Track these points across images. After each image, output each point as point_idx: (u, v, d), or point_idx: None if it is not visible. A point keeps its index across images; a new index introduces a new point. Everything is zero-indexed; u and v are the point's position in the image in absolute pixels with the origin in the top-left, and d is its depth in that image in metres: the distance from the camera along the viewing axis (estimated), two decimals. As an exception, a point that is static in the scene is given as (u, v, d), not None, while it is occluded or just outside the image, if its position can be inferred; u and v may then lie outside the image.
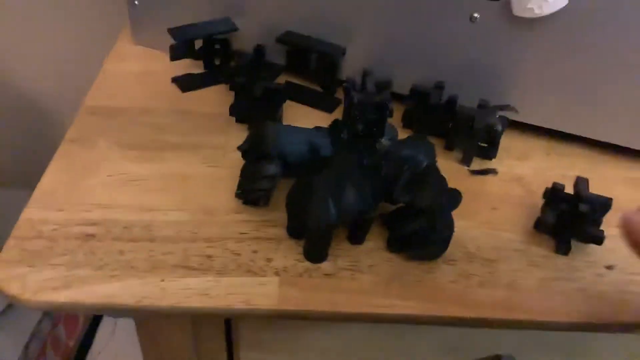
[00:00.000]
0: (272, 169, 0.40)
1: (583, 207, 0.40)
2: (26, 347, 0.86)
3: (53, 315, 0.93)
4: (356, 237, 0.42)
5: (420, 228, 0.39)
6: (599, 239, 0.41)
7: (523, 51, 0.49)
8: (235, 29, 0.54)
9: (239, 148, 0.42)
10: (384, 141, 0.43)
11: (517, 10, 0.46)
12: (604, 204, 0.41)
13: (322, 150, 0.42)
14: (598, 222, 0.41)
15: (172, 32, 0.52)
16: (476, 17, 0.48)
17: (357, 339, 0.49)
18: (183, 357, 0.50)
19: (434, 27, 0.50)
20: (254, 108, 0.49)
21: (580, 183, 0.42)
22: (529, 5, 0.45)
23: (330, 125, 0.43)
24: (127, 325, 0.44)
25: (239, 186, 0.43)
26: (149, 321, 0.47)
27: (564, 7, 0.45)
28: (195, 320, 0.46)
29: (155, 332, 0.48)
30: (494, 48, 0.49)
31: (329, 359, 0.52)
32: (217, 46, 0.56)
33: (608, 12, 0.45)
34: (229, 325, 0.48)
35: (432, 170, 0.41)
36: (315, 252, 0.40)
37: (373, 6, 0.51)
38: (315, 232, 0.39)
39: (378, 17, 0.51)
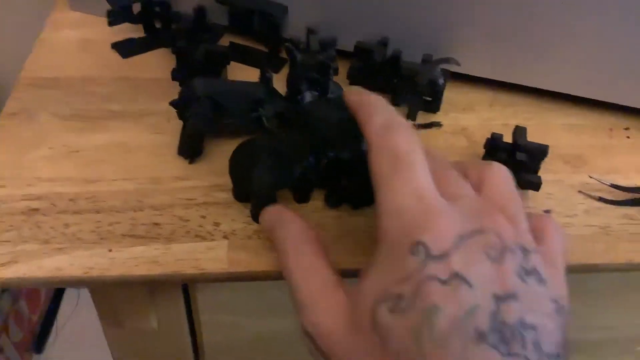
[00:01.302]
0: (200, 107, 0.40)
1: (520, 156, 0.41)
2: (-13, 324, 0.85)
3: (12, 290, 0.93)
4: (300, 196, 0.42)
5: (349, 179, 0.40)
6: (536, 185, 0.42)
7: (464, 3, 0.49)
8: (174, -9, 0.53)
9: (170, 103, 0.41)
10: (307, 95, 0.43)
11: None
12: (540, 151, 0.42)
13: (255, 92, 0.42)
14: (536, 169, 0.43)
15: (108, -4, 0.51)
16: (415, -29, 0.47)
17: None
18: (143, 324, 0.50)
19: (374, -19, 0.50)
20: (197, 71, 0.49)
21: (518, 132, 0.43)
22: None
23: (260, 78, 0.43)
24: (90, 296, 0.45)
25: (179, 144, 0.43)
26: (104, 291, 0.47)
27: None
28: (151, 286, 0.46)
29: (111, 302, 0.48)
30: (435, 1, 0.49)
31: (288, 316, 0.54)
32: (156, 9, 0.54)
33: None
34: (186, 289, 0.48)
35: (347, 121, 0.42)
36: (258, 214, 0.41)
37: (313, -38, 0.50)
38: (258, 194, 0.39)
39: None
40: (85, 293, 1.15)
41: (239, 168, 0.40)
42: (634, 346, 0.64)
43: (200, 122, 0.40)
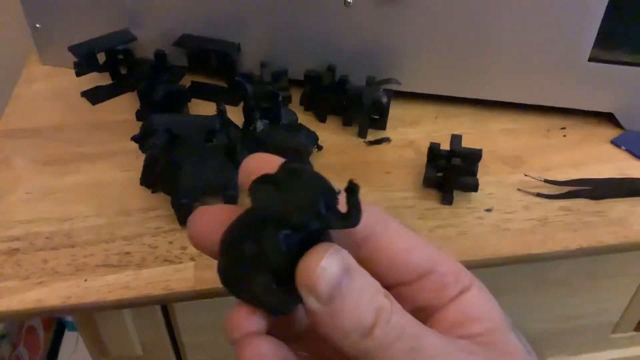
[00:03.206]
0: (154, 140, 0.44)
1: (455, 161, 0.45)
2: (-13, 372, 0.87)
3: (11, 336, 0.95)
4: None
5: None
6: (474, 186, 0.46)
7: (400, 26, 0.53)
8: (134, 39, 0.57)
9: (131, 138, 0.45)
10: (258, 124, 0.47)
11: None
12: (475, 155, 0.46)
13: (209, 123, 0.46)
14: (473, 172, 0.47)
15: (73, 49, 0.55)
16: (349, 2, 0.52)
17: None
18: (128, 351, 0.53)
19: (315, 15, 0.54)
20: (160, 110, 0.53)
21: (454, 140, 0.47)
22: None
23: (217, 111, 0.47)
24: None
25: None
26: (88, 322, 0.50)
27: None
28: (134, 313, 0.49)
29: (96, 332, 0.51)
30: (373, 27, 0.54)
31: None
32: (120, 57, 0.59)
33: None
34: (167, 314, 0.51)
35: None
36: (182, 219, 0.46)
37: (259, 2, 0.55)
38: (173, 204, 0.45)
39: (265, 11, 0.55)
40: (82, 335, 1.17)
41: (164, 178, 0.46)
42: (607, 333, 0.67)
43: (156, 153, 0.44)
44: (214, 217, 0.22)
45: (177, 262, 0.43)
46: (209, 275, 0.42)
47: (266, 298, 0.21)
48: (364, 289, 0.20)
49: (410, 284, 0.24)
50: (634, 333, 0.65)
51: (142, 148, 0.46)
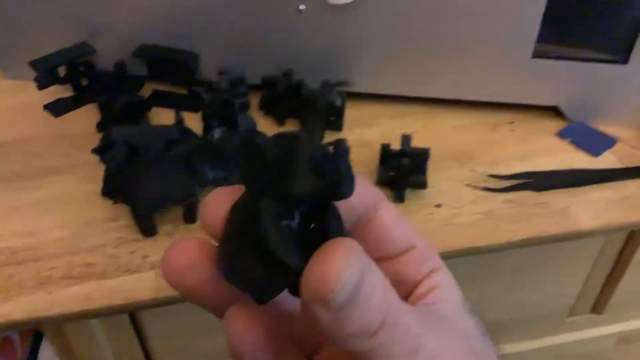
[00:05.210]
0: (114, 152, 0.45)
1: (405, 161, 0.47)
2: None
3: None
4: (186, 217, 0.48)
5: None
6: (423, 184, 0.48)
7: (351, 31, 0.55)
8: (93, 51, 0.58)
9: (92, 151, 0.46)
10: (216, 132, 0.49)
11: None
12: (423, 154, 0.48)
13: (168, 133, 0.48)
14: (422, 170, 0.49)
15: (33, 64, 0.56)
16: (301, 10, 0.53)
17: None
18: (100, 359, 0.55)
19: (269, 22, 0.56)
20: (120, 121, 0.54)
21: (404, 140, 0.49)
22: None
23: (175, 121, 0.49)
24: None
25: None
26: (58, 332, 0.51)
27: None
28: (103, 322, 0.51)
29: (67, 343, 0.53)
30: (326, 32, 0.55)
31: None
32: (81, 68, 0.60)
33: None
34: (135, 320, 0.53)
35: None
36: (143, 229, 0.47)
37: (213, 11, 0.56)
38: (134, 215, 0.46)
39: (221, 19, 0.57)
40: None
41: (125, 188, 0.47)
42: (563, 317, 0.69)
43: (115, 165, 0.45)
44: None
45: (138, 271, 0.45)
46: (170, 282, 0.44)
47: (252, 284, 0.18)
48: (375, 289, 0.18)
49: (393, 259, 0.24)
50: (590, 315, 0.68)
51: (103, 160, 0.48)
